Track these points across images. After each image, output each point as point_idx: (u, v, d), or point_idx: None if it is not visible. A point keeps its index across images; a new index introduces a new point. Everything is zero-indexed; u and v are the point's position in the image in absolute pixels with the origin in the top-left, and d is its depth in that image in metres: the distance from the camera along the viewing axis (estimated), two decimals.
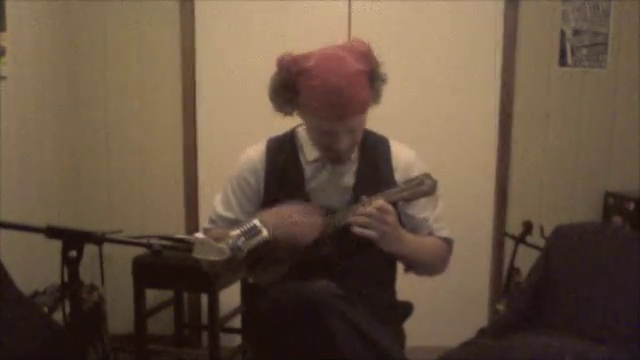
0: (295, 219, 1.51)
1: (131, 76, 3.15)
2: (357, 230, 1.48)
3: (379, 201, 1.49)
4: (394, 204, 1.54)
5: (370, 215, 1.47)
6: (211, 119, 3.21)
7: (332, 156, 1.62)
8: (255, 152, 1.71)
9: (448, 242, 1.72)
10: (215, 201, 1.75)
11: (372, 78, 1.54)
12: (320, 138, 1.59)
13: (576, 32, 3.09)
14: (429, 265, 1.68)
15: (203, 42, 3.16)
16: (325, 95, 1.47)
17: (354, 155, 1.67)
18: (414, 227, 1.68)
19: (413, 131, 3.03)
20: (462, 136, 3.20)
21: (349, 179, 1.66)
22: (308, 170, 1.67)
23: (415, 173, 1.62)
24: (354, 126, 1.54)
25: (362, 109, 1.53)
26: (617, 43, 3.10)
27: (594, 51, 3.10)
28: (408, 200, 1.57)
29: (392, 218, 1.49)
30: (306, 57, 1.51)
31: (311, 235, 1.52)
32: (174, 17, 3.10)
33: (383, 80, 1.59)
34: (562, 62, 3.12)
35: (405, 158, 1.70)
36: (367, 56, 1.53)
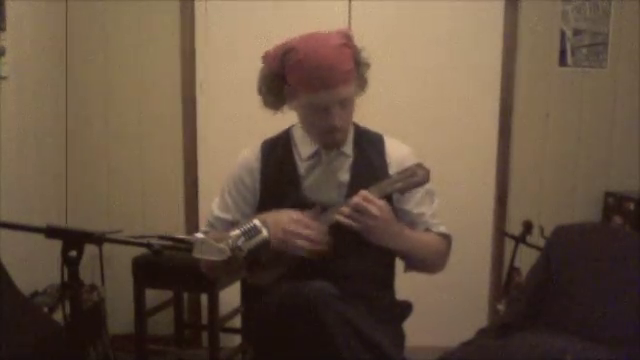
0: (293, 229, 1.48)
1: (131, 76, 3.14)
2: (342, 220, 1.48)
3: (362, 192, 1.48)
4: (389, 197, 1.54)
5: (353, 206, 1.47)
6: (211, 119, 3.20)
7: (328, 139, 1.62)
8: (250, 152, 1.73)
9: (446, 238, 1.72)
10: (213, 204, 1.76)
11: (355, 59, 1.59)
12: (313, 117, 1.60)
13: (576, 32, 3.09)
14: (428, 261, 1.67)
15: (203, 42, 3.16)
16: (313, 66, 1.51)
17: (349, 150, 1.68)
18: (411, 223, 1.67)
19: (412, 131, 3.03)
20: (462, 136, 3.19)
21: (344, 175, 1.66)
22: (303, 168, 1.67)
23: None
24: (344, 97, 1.55)
25: (348, 79, 1.55)
26: (617, 43, 3.10)
27: (594, 51, 3.10)
28: (402, 191, 1.56)
29: (376, 210, 1.46)
30: (289, 40, 1.56)
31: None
32: (174, 17, 3.10)
33: (366, 65, 1.62)
34: (562, 62, 3.11)
35: (399, 154, 1.70)
36: (349, 38, 1.59)
